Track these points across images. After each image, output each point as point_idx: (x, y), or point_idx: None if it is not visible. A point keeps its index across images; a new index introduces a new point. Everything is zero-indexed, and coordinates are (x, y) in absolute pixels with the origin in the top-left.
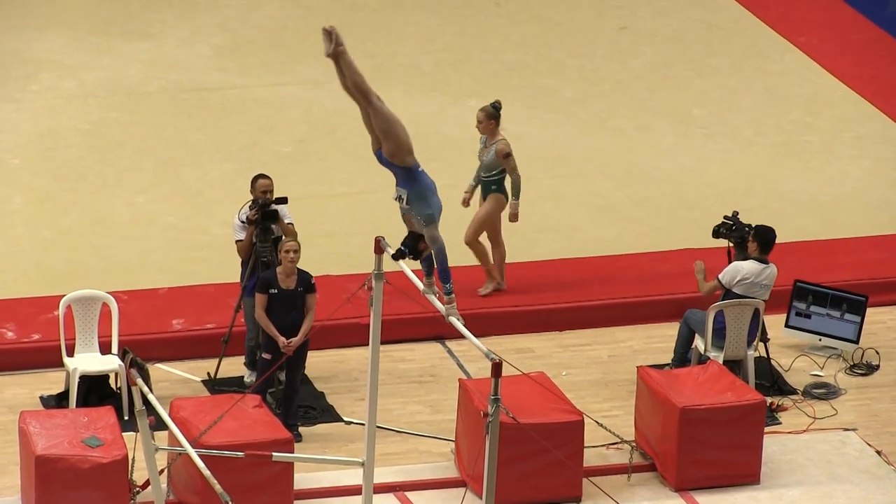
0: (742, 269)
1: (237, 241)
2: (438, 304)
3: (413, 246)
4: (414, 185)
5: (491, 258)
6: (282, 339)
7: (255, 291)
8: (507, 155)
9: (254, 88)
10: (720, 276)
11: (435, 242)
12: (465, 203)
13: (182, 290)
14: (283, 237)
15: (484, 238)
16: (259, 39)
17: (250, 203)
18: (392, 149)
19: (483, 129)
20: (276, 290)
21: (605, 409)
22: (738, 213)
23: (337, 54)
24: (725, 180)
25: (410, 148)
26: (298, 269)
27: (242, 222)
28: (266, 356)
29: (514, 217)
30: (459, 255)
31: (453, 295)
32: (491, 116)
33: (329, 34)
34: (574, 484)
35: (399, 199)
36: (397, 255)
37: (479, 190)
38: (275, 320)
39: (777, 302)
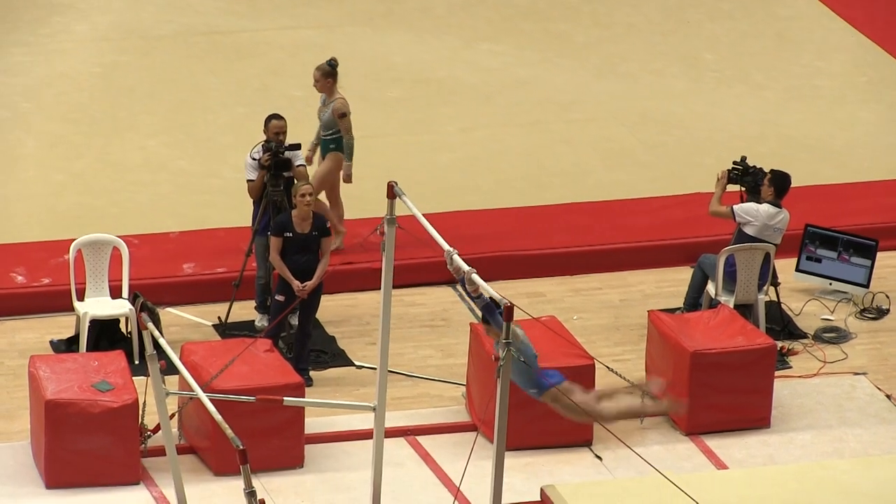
0: (757, 210)
1: (248, 181)
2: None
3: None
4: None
5: (332, 216)
6: (296, 283)
7: (271, 234)
8: (343, 115)
9: (266, 32)
10: (735, 207)
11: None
12: (308, 161)
13: (193, 234)
14: (296, 181)
15: (323, 196)
16: None
17: (263, 144)
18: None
19: (320, 88)
20: (290, 234)
21: (616, 354)
22: (745, 158)
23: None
24: (737, 125)
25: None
26: (314, 212)
27: (254, 159)
28: (279, 298)
29: (347, 178)
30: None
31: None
32: (327, 75)
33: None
34: (585, 428)
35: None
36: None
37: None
38: (289, 264)
39: (788, 246)
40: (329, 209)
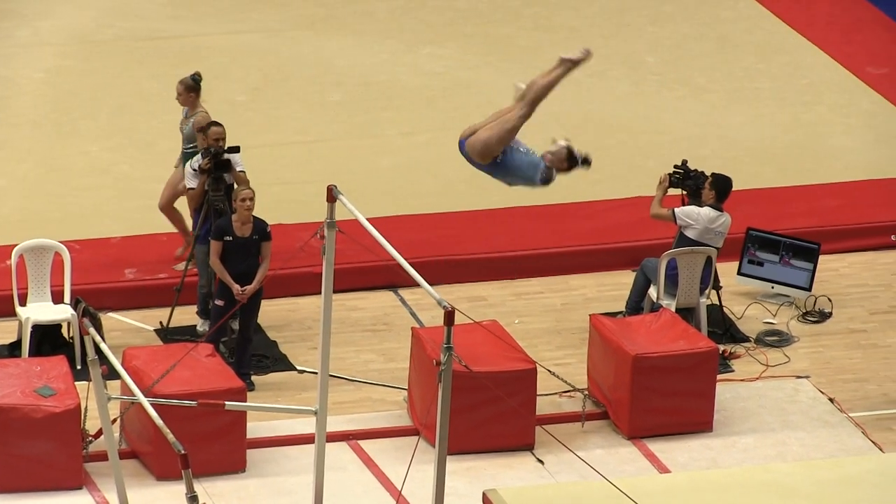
0: (698, 213)
1: (189, 189)
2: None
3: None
4: (505, 174)
5: (187, 224)
6: (236, 287)
7: (211, 238)
8: (202, 129)
9: (208, 36)
10: (676, 210)
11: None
12: None
13: (135, 239)
14: (237, 185)
15: (182, 204)
16: None
17: (202, 151)
18: (480, 147)
19: (183, 102)
20: (231, 238)
21: (558, 357)
22: (686, 162)
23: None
24: (679, 128)
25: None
26: (254, 216)
27: (195, 170)
28: (219, 303)
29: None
30: (161, 223)
31: None
32: (190, 89)
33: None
34: (527, 432)
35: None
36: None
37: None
38: (230, 268)
39: (730, 250)
40: (180, 218)
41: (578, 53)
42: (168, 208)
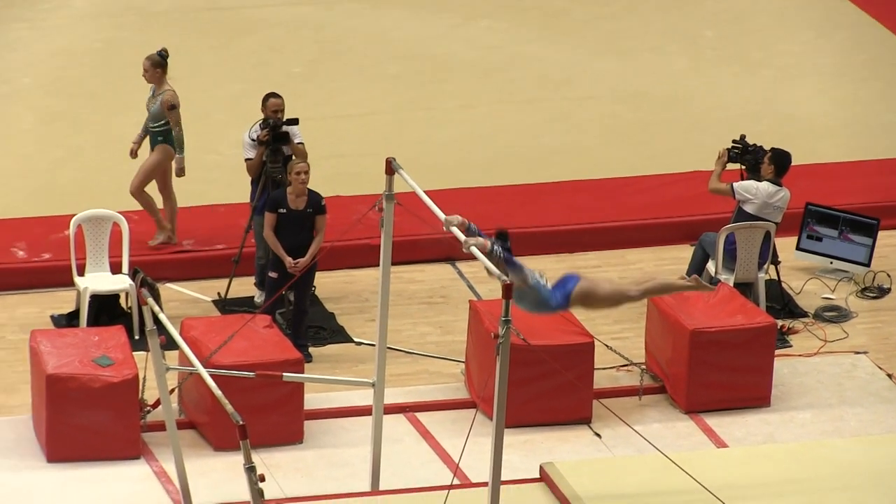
0: (757, 188)
1: (247, 160)
2: (459, 234)
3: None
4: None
5: (166, 209)
6: (289, 260)
7: (265, 210)
8: (172, 107)
9: (265, 8)
10: (735, 184)
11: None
12: (133, 154)
13: (192, 210)
14: (294, 157)
15: (154, 189)
16: None
17: (261, 122)
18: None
19: (149, 79)
20: (285, 210)
21: (616, 332)
22: (745, 137)
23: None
24: (736, 103)
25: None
26: (309, 189)
27: (252, 140)
28: (273, 275)
29: (179, 172)
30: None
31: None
32: (157, 65)
33: None
34: (584, 405)
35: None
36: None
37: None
38: (284, 240)
39: (788, 225)
40: (152, 203)
41: (711, 287)
42: (139, 193)
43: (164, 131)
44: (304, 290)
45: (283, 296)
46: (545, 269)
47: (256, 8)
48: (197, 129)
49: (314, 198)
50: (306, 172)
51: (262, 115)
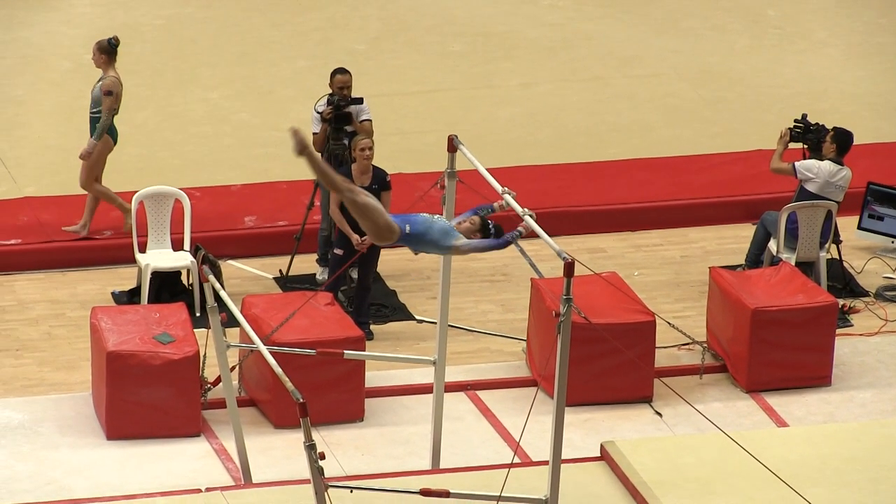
0: (819, 167)
1: (313, 134)
2: (515, 205)
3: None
4: (417, 244)
5: (88, 197)
6: (355, 237)
7: None
8: (108, 93)
9: None
10: (797, 163)
11: (468, 247)
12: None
13: (254, 187)
14: (359, 134)
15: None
16: None
17: (327, 98)
18: (372, 236)
19: (96, 63)
20: None
21: (677, 310)
22: (806, 116)
23: (304, 157)
24: (799, 82)
25: (389, 229)
26: (374, 166)
27: (318, 113)
28: (338, 252)
29: (84, 154)
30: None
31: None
32: (103, 51)
33: (294, 134)
34: (645, 384)
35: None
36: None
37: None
38: (349, 218)
39: (850, 204)
40: (106, 192)
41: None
42: (89, 185)
43: (100, 117)
44: (369, 268)
45: (346, 273)
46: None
47: None
48: (260, 105)
49: (379, 174)
50: (370, 149)
51: (329, 90)
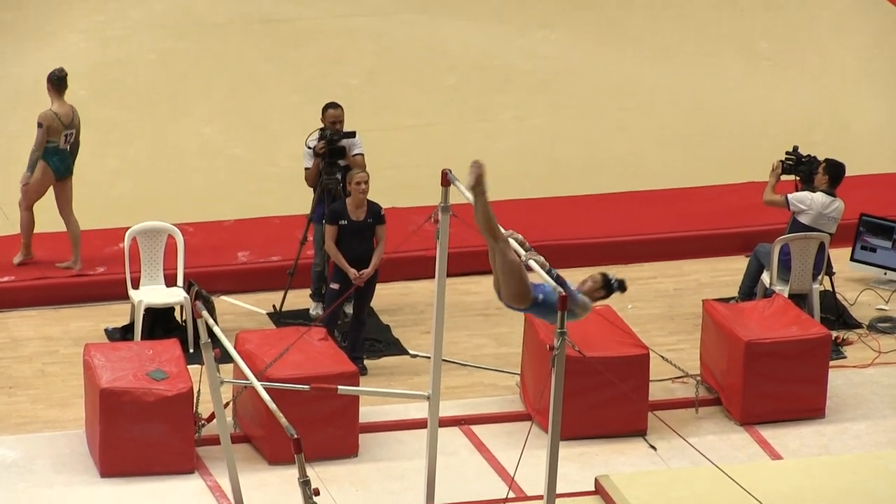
0: (812, 198)
1: (305, 169)
2: (518, 248)
3: None
4: (541, 312)
5: (68, 234)
6: (352, 271)
7: (325, 223)
8: (39, 125)
9: (323, 19)
10: (789, 196)
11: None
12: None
13: (248, 222)
14: (352, 168)
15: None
16: None
17: (319, 131)
18: (508, 296)
19: (49, 92)
20: (346, 222)
21: (671, 343)
22: (797, 148)
23: (475, 194)
24: (792, 112)
25: (527, 294)
26: (368, 200)
27: (310, 148)
28: (335, 286)
29: (21, 183)
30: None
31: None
32: (49, 82)
33: (476, 168)
34: (639, 417)
35: None
36: None
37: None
38: (345, 252)
39: (843, 236)
40: (31, 225)
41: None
42: (24, 210)
43: (45, 149)
44: (364, 302)
45: (340, 308)
46: None
47: (314, 19)
48: (254, 140)
49: (374, 208)
50: (366, 182)
51: (321, 125)
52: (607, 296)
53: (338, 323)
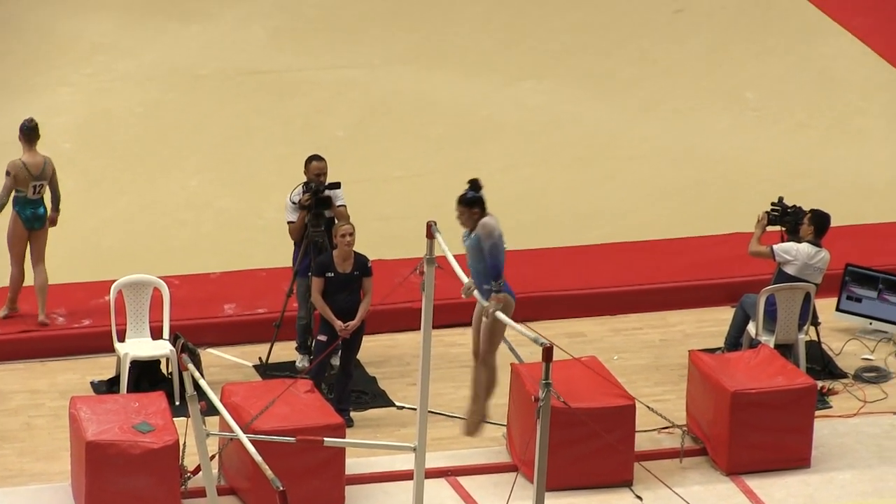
0: (797, 249)
1: (289, 223)
2: (480, 299)
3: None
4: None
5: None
6: (339, 323)
7: (312, 275)
8: (7, 173)
9: (310, 71)
10: (775, 246)
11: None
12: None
13: (234, 274)
14: (337, 220)
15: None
16: (316, 20)
17: (303, 186)
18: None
19: (21, 142)
20: (332, 274)
21: (657, 394)
22: (783, 199)
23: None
24: (779, 163)
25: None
26: (355, 252)
27: (294, 203)
28: (322, 338)
29: None
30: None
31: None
32: (21, 131)
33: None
34: (625, 468)
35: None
36: None
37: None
38: (331, 304)
39: (828, 286)
40: (20, 284)
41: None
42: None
43: (14, 198)
44: (351, 353)
45: (326, 360)
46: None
47: (301, 71)
48: (241, 192)
49: (360, 260)
50: (351, 234)
51: (304, 178)
52: (471, 210)
53: (325, 375)
